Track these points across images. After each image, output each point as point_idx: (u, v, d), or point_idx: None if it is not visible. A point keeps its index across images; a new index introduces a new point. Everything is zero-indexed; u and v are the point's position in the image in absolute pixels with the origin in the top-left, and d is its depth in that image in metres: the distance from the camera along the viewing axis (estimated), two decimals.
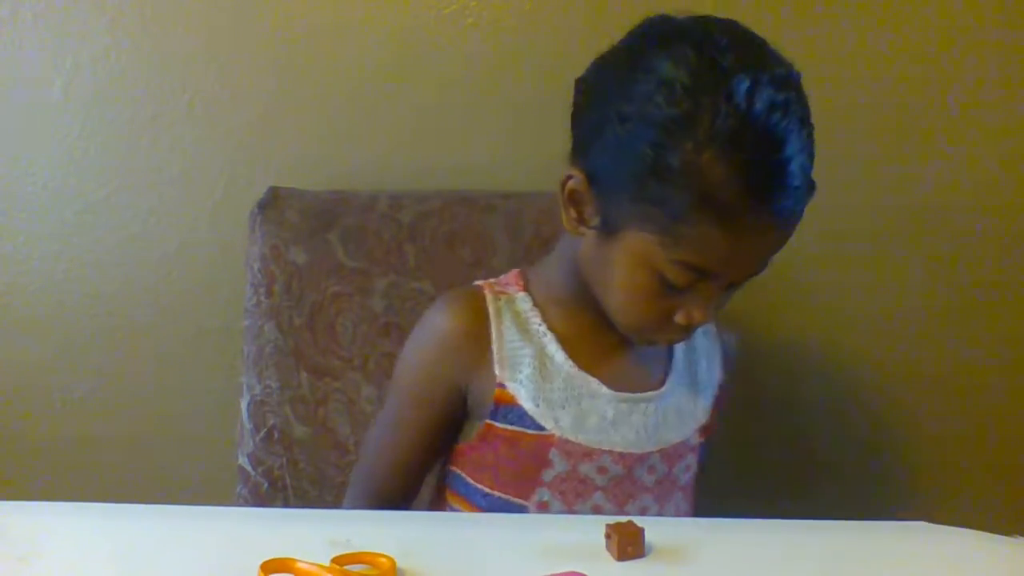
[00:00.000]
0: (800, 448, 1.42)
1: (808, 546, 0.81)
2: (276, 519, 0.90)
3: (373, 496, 1.01)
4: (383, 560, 0.72)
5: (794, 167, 0.81)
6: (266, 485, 1.20)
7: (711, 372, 1.03)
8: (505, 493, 0.96)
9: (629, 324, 0.92)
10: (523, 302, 0.97)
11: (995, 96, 1.36)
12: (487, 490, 0.97)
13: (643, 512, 0.96)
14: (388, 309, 1.20)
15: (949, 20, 1.33)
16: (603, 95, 0.87)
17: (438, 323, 0.97)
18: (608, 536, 0.76)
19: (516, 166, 1.33)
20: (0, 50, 1.31)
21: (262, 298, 1.21)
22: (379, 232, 1.22)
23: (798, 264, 1.36)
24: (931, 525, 0.85)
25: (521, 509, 0.96)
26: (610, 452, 0.94)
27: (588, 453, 0.94)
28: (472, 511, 0.98)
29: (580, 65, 0.94)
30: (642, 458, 0.96)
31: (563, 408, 0.94)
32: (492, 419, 0.95)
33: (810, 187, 0.85)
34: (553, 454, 0.94)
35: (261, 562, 0.69)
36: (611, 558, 0.75)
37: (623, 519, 0.77)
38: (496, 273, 1.03)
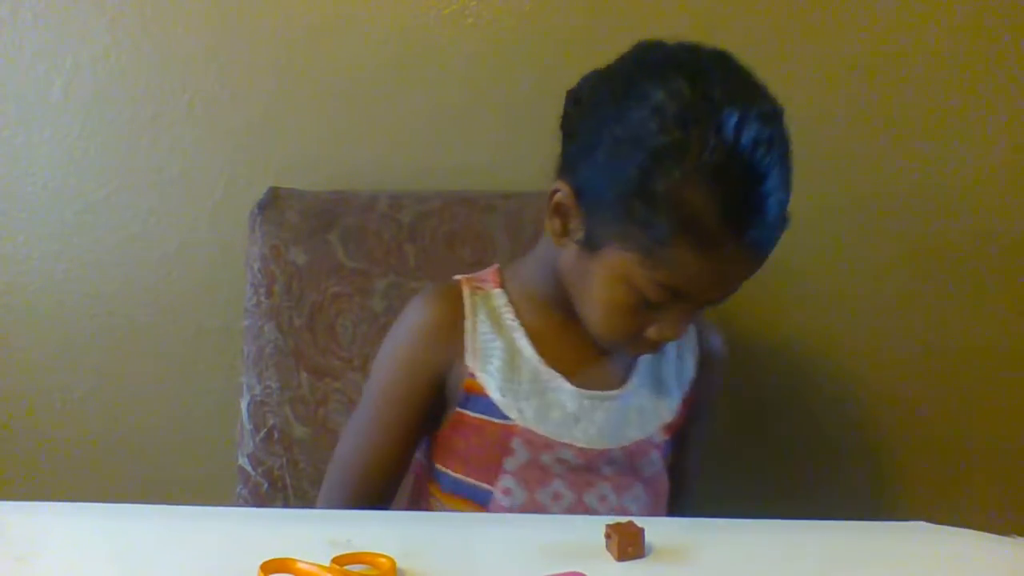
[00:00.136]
0: (799, 448, 1.43)
1: (807, 546, 0.81)
2: (276, 519, 0.90)
3: (351, 498, 1.02)
4: (383, 560, 0.72)
5: (772, 201, 0.85)
6: (266, 485, 1.21)
7: (682, 372, 1.04)
8: (472, 478, 0.99)
9: (603, 335, 0.95)
10: (498, 298, 1.00)
11: (999, 96, 1.36)
12: (455, 475, 0.99)
13: (602, 500, 0.99)
14: (388, 309, 1.20)
15: (938, 18, 1.34)
16: (597, 116, 0.90)
17: (416, 316, 1.00)
18: (608, 536, 0.76)
19: (516, 166, 1.33)
20: (0, 50, 1.31)
21: (262, 298, 1.21)
22: (379, 232, 1.22)
23: (798, 265, 1.36)
24: (930, 525, 0.85)
25: (487, 494, 0.98)
26: (570, 446, 0.97)
27: (549, 444, 0.97)
28: (442, 496, 1.00)
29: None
30: (603, 453, 0.98)
31: (527, 400, 0.97)
32: (462, 407, 0.98)
33: (784, 220, 0.88)
34: (516, 443, 0.97)
35: (261, 562, 0.70)
36: (611, 558, 0.75)
37: (623, 519, 0.77)
38: None
